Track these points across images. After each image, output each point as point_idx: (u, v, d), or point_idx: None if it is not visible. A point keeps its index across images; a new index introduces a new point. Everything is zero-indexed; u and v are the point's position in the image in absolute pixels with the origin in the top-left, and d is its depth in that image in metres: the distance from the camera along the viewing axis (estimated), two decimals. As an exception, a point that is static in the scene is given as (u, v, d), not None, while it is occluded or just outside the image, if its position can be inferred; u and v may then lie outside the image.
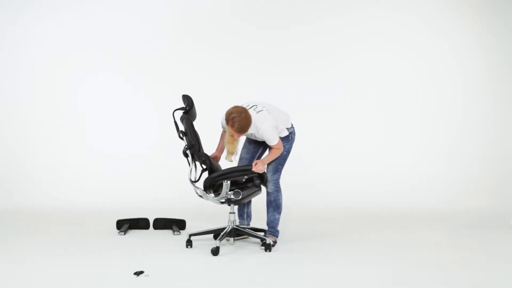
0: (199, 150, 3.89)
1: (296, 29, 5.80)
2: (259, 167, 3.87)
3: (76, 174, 5.58)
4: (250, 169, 3.85)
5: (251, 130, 3.93)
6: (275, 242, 3.98)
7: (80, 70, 5.68)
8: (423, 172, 5.75)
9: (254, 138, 4.10)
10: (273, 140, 3.94)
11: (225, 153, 4.03)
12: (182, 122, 3.97)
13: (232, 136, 3.90)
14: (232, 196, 3.79)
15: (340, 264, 3.54)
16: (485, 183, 5.67)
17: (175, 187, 5.28)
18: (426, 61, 5.86)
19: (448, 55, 5.86)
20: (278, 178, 4.06)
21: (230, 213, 3.92)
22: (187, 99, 3.95)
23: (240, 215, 4.25)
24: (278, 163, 4.05)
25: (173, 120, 3.96)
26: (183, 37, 5.76)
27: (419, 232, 4.47)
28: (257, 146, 4.19)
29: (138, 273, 3.21)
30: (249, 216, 4.28)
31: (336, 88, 5.81)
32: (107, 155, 5.63)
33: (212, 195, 3.89)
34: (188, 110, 3.93)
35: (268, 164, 4.04)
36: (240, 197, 3.78)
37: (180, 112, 3.97)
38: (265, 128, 3.89)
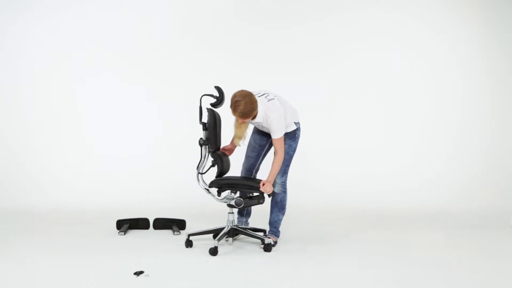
0: (215, 150, 3.87)
1: (296, 29, 5.80)
2: (267, 188, 3.78)
3: (76, 174, 5.58)
4: (258, 187, 3.79)
5: (258, 119, 3.82)
6: (275, 243, 3.98)
7: (80, 70, 5.68)
8: (423, 172, 5.75)
9: (260, 128, 4.02)
10: (278, 132, 3.82)
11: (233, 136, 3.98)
12: (208, 112, 3.87)
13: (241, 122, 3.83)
14: (233, 203, 3.80)
15: (340, 264, 3.54)
16: (485, 183, 5.67)
17: (175, 187, 5.29)
18: (426, 61, 5.86)
19: (448, 55, 5.86)
20: (286, 180, 4.05)
21: (229, 213, 3.92)
22: (218, 91, 3.84)
23: (239, 212, 4.25)
24: (286, 165, 4.02)
25: (199, 104, 3.87)
26: (183, 37, 5.76)
27: (419, 232, 4.47)
28: (263, 145, 4.14)
29: (138, 273, 3.21)
30: (248, 214, 4.28)
31: (336, 88, 5.81)
32: (107, 155, 5.63)
33: (215, 194, 3.89)
34: (217, 103, 3.84)
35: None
36: (242, 206, 3.79)
37: (209, 100, 3.89)
38: (274, 117, 3.78)
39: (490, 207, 5.36)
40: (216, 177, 3.93)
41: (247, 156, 4.19)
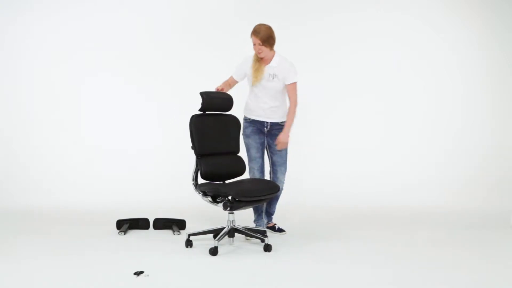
0: (197, 155, 3.93)
1: (296, 29, 5.80)
2: (285, 143, 4.17)
3: (76, 174, 5.58)
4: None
5: (274, 62, 4.13)
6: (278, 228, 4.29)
7: (80, 70, 5.68)
8: (423, 172, 5.75)
9: (270, 79, 4.16)
10: (294, 75, 4.17)
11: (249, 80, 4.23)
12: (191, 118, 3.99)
13: (258, 62, 4.13)
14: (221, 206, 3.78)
15: (340, 264, 3.54)
16: (485, 183, 5.68)
17: (175, 187, 5.28)
18: (426, 61, 5.86)
19: (448, 55, 5.86)
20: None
21: (229, 213, 3.92)
22: (202, 97, 3.96)
23: (259, 214, 4.38)
24: (286, 162, 4.32)
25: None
26: (183, 37, 5.76)
27: (418, 232, 4.47)
28: (262, 142, 4.29)
29: (138, 273, 3.21)
30: (268, 213, 4.41)
31: (336, 88, 5.81)
32: (107, 155, 5.64)
33: (209, 199, 3.89)
34: (201, 108, 3.95)
35: (281, 167, 4.27)
36: (228, 209, 3.76)
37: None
38: (290, 63, 4.17)
39: (490, 207, 5.35)
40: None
41: (254, 158, 4.25)
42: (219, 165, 4.02)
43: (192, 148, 3.96)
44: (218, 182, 3.98)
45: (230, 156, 4.10)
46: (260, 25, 4.11)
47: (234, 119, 4.16)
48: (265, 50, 4.10)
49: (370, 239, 4.22)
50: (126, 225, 4.40)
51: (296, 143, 5.70)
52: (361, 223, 4.82)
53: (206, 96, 3.91)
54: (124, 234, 4.30)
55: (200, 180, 3.97)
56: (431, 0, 5.85)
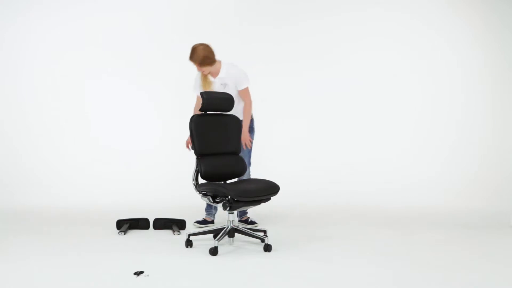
0: (197, 155, 3.91)
1: (296, 28, 5.81)
2: (246, 142, 4.24)
3: (76, 174, 5.59)
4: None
5: (222, 73, 4.16)
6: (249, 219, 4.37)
7: (80, 70, 5.69)
8: (422, 172, 5.75)
9: (222, 89, 4.23)
10: (245, 81, 4.20)
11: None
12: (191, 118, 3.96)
13: (205, 77, 4.16)
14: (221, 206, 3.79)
15: (340, 264, 3.54)
16: (485, 183, 5.68)
17: (175, 187, 5.29)
18: (426, 61, 5.86)
19: (448, 55, 5.86)
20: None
21: (229, 213, 3.91)
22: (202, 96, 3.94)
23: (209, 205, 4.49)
24: (250, 157, 4.41)
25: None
26: (183, 37, 5.76)
27: (419, 232, 4.47)
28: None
29: (138, 273, 3.21)
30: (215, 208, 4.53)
31: (335, 87, 5.81)
32: (108, 155, 5.64)
33: (209, 199, 3.88)
34: (201, 109, 3.93)
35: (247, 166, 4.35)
36: (228, 209, 3.77)
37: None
38: (239, 69, 4.18)
39: (490, 207, 5.35)
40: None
41: None
42: (219, 165, 4.00)
43: (192, 148, 3.95)
44: (218, 182, 3.97)
45: (230, 156, 4.09)
46: (194, 48, 4.15)
47: (235, 119, 4.15)
48: (206, 69, 4.20)
49: (370, 239, 4.22)
50: (126, 225, 4.40)
51: (296, 142, 5.74)
52: (361, 223, 4.82)
53: (206, 96, 3.90)
54: (124, 234, 4.30)
55: (201, 181, 3.96)
56: (431, 0, 5.85)
